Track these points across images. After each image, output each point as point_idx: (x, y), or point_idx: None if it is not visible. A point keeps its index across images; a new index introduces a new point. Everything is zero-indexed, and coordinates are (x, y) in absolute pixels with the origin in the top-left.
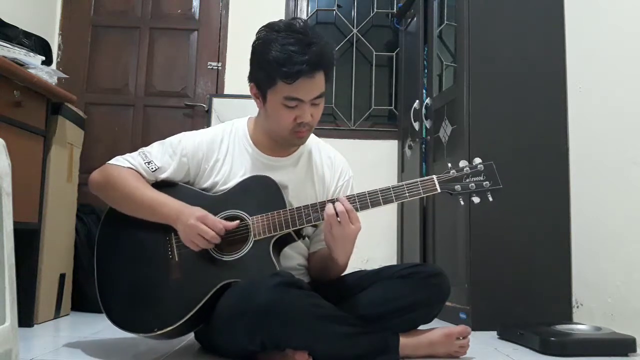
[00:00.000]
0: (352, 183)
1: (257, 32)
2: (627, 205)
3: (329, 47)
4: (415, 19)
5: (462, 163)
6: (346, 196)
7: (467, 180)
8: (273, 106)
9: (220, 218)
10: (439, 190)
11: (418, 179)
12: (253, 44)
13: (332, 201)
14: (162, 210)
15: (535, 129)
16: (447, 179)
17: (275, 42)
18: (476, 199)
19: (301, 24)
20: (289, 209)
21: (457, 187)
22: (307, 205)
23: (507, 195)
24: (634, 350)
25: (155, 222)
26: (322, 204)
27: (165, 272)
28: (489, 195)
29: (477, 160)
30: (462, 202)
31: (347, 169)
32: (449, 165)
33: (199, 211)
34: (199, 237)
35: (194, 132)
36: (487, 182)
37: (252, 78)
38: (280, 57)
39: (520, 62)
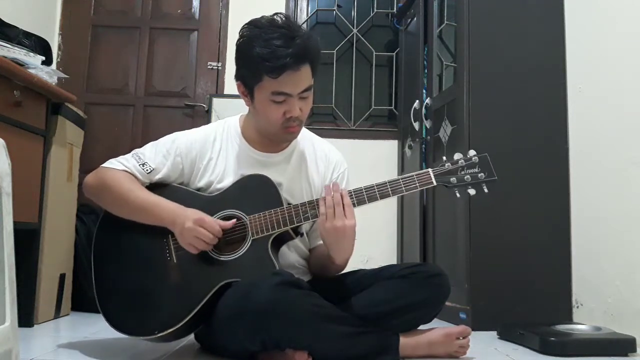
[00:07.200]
0: (348, 175)
1: (240, 30)
2: (627, 205)
3: (313, 39)
4: (415, 19)
5: (457, 155)
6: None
7: (462, 172)
8: (261, 103)
9: (217, 218)
10: (434, 183)
11: (414, 173)
12: (237, 42)
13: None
14: (158, 213)
15: (535, 129)
16: (443, 171)
17: (259, 38)
18: (472, 191)
19: (283, 18)
20: (286, 207)
21: (453, 179)
22: (304, 202)
23: (507, 195)
24: (634, 350)
25: (152, 225)
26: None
27: (163, 274)
28: (485, 187)
29: (472, 152)
30: (458, 195)
31: (342, 162)
32: (444, 158)
33: (195, 214)
34: (197, 240)
35: (187, 131)
36: (482, 173)
37: (238, 76)
38: (265, 52)
39: (520, 62)
